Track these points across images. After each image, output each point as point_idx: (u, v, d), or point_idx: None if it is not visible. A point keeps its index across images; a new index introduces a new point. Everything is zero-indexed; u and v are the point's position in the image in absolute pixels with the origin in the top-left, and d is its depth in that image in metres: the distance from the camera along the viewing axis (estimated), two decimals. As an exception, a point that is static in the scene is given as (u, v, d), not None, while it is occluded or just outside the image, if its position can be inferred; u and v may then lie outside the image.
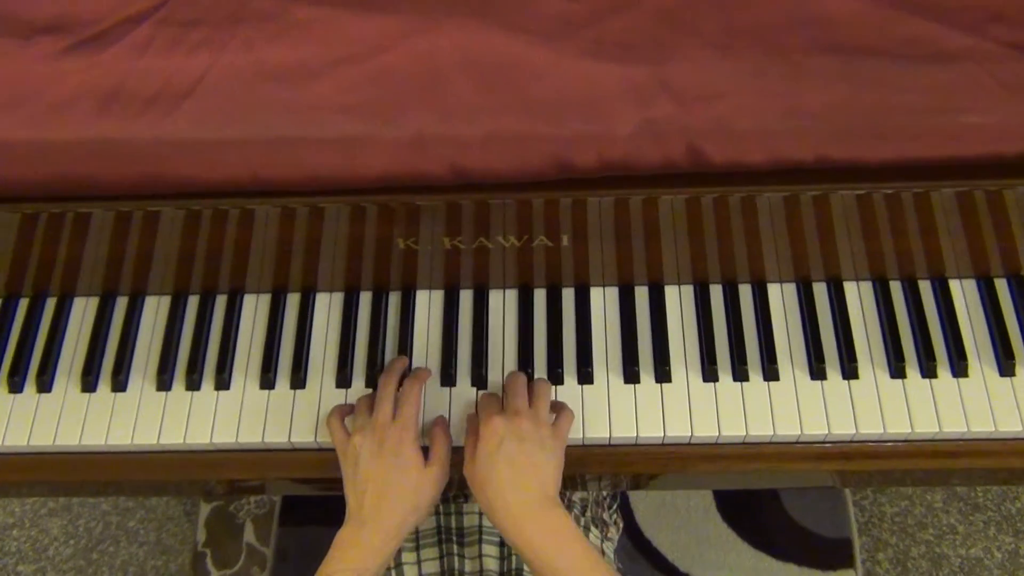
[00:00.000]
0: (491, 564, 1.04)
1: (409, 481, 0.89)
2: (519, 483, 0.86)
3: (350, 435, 0.92)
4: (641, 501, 1.51)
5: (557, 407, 0.96)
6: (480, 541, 1.06)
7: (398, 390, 0.95)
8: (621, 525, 1.24)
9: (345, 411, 0.97)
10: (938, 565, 1.64)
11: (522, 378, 0.96)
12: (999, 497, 1.69)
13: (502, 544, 1.06)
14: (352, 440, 0.91)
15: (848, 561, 1.44)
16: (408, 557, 1.06)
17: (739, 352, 1.00)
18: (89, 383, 1.01)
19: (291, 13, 0.88)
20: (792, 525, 1.49)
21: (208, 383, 1.01)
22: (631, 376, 0.99)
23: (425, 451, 0.93)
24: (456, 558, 1.06)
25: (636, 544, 1.48)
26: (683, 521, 1.50)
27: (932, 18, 0.86)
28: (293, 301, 1.06)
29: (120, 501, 1.75)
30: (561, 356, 1.01)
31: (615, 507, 1.22)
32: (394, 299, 1.05)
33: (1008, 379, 0.97)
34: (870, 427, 0.96)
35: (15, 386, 1.01)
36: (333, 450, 0.95)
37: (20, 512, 1.76)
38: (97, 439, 0.98)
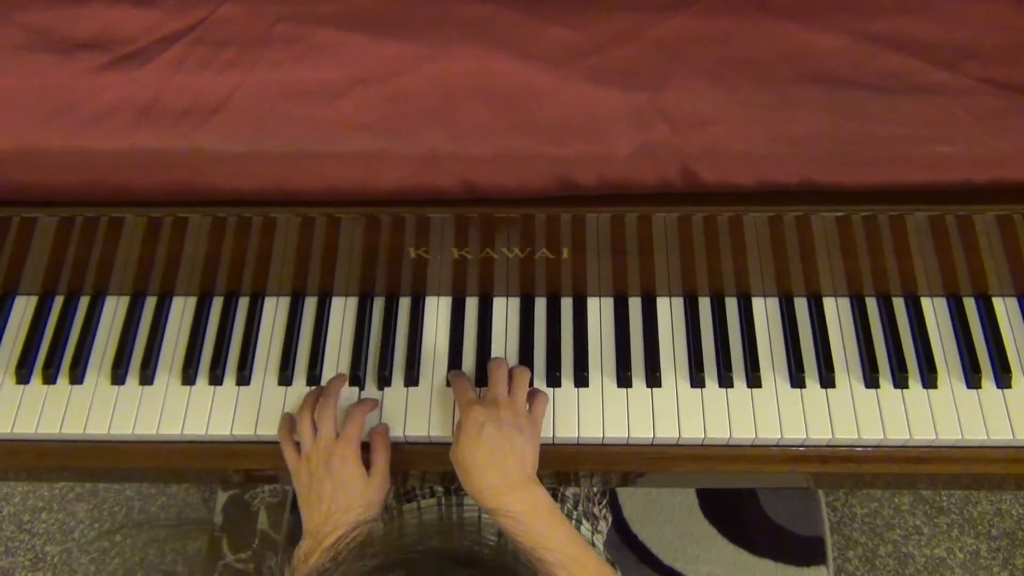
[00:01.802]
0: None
1: (356, 493, 0.89)
2: (499, 463, 0.86)
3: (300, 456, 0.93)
4: (629, 497, 1.50)
5: (532, 393, 0.96)
6: (480, 532, 1.05)
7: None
8: (610, 519, 1.24)
9: (293, 429, 0.96)
10: (904, 563, 1.63)
11: (504, 366, 0.96)
12: (962, 501, 1.68)
13: (500, 534, 1.06)
14: (301, 462, 0.92)
15: (820, 558, 1.43)
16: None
17: (725, 360, 0.99)
18: (119, 376, 1.01)
19: (315, 37, 0.88)
20: (769, 523, 1.48)
21: (230, 379, 1.01)
22: (624, 381, 0.99)
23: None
24: (457, 548, 1.05)
25: (623, 537, 1.47)
26: (667, 517, 1.49)
27: (910, 54, 0.86)
28: (311, 304, 1.05)
29: (143, 488, 1.74)
30: (559, 361, 1.00)
31: (604, 502, 1.21)
32: (405, 304, 1.05)
33: (975, 391, 0.97)
34: (845, 433, 0.95)
35: (49, 378, 1.01)
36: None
37: (49, 496, 1.75)
38: (125, 429, 0.98)
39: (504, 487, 0.86)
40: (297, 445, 0.94)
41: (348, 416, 0.94)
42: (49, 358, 1.02)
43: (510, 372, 0.95)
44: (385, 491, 0.92)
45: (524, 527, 0.84)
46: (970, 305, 1.02)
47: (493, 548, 1.00)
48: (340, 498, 0.89)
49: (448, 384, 1.00)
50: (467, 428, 0.88)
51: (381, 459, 0.94)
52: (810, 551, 1.44)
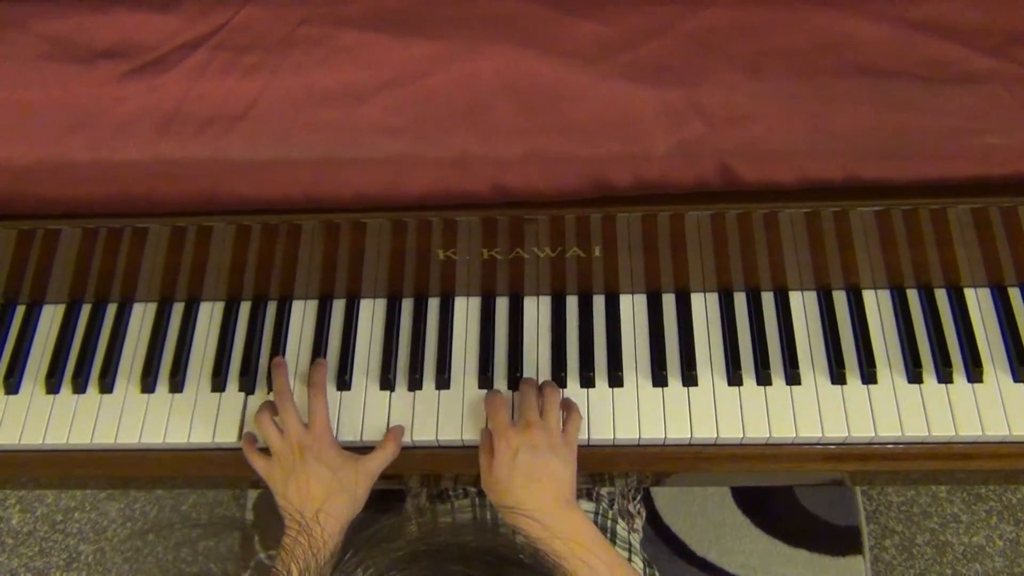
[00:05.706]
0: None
1: (337, 479, 0.88)
2: (537, 490, 0.84)
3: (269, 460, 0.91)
4: (661, 491, 1.49)
5: (566, 408, 0.94)
6: (514, 532, 1.04)
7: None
8: (644, 514, 1.23)
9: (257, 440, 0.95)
10: (942, 552, 1.61)
11: (533, 388, 0.94)
12: (1000, 488, 1.66)
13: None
14: (274, 462, 0.90)
15: (857, 547, 1.42)
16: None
17: (762, 357, 0.97)
18: (148, 384, 1.00)
19: (339, 39, 0.85)
20: (804, 513, 1.47)
21: (260, 385, 1.00)
22: (659, 380, 0.97)
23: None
24: (491, 549, 1.04)
25: (656, 531, 1.46)
26: (701, 509, 1.48)
27: (956, 41, 0.83)
28: (339, 307, 1.04)
29: (174, 486, 1.75)
30: (592, 360, 0.99)
31: (639, 498, 1.20)
32: (434, 305, 1.03)
33: (1022, 384, 0.94)
34: (888, 430, 0.93)
35: (79, 387, 1.00)
36: (373, 446, 0.94)
37: (82, 496, 1.75)
38: (155, 437, 0.97)
39: (543, 516, 0.83)
40: (264, 452, 0.93)
41: (310, 404, 0.93)
42: (78, 367, 1.01)
43: (541, 391, 0.93)
44: (370, 484, 0.91)
45: (563, 555, 0.82)
46: (1016, 295, 0.99)
47: (531, 552, 0.99)
48: (322, 486, 0.87)
49: (480, 388, 0.98)
50: (501, 453, 0.87)
51: (378, 459, 0.92)
52: (846, 541, 1.43)
